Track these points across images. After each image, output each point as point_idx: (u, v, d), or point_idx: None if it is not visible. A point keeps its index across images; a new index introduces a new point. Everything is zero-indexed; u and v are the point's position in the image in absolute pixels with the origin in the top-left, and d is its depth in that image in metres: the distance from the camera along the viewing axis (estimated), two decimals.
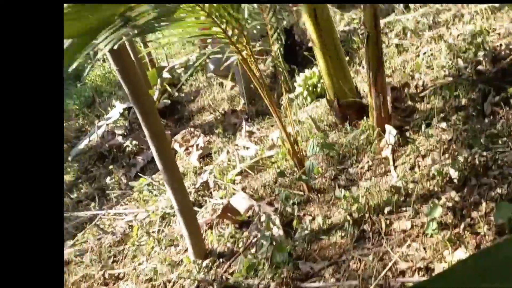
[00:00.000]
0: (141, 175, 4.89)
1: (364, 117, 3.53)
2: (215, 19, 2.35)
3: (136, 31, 2.01)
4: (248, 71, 2.77)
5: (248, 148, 4.32)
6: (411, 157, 2.96)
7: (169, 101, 6.29)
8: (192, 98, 6.45)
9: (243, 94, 5.25)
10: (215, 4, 2.36)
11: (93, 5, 1.84)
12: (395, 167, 2.96)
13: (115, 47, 1.92)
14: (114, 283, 3.20)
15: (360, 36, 4.92)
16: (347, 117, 3.68)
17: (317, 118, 3.96)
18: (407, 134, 3.18)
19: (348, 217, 2.64)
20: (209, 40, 4.19)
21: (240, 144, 4.48)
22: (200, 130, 5.34)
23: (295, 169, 3.27)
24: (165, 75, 6.88)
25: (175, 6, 2.19)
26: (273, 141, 4.16)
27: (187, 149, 5.06)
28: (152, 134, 2.46)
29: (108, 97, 8.53)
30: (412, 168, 2.88)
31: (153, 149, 2.51)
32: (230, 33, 2.47)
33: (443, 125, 3.02)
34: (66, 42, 1.91)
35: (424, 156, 2.90)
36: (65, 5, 1.67)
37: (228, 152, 4.39)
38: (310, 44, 5.54)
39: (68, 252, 3.79)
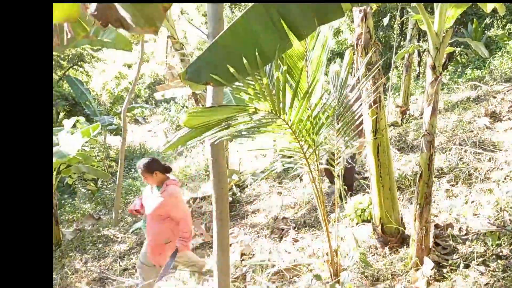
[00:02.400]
0: None
1: (404, 247, 3.45)
2: (296, 136, 2.65)
3: (233, 134, 2.38)
4: (311, 183, 2.97)
5: (289, 252, 4.29)
6: None
7: (231, 199, 6.53)
8: (252, 200, 6.64)
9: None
10: (300, 125, 2.69)
11: (213, 108, 2.26)
12: None
13: (216, 142, 2.27)
14: None
15: (413, 175, 4.98)
16: (388, 243, 3.62)
17: (360, 238, 3.91)
18: (444, 270, 3.03)
19: None
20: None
21: (282, 248, 4.46)
22: (249, 229, 5.41)
23: (330, 279, 3.19)
24: (234, 176, 7.27)
25: (268, 123, 2.54)
26: (313, 251, 4.11)
27: (230, 245, 5.10)
28: (219, 217, 2.64)
29: (180, 186, 8.98)
30: None
31: (215, 230, 2.66)
32: (305, 149, 2.72)
33: (482, 268, 2.86)
34: (183, 130, 2.32)
35: None
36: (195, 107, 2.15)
37: (270, 252, 4.38)
38: (366, 174, 5.71)
39: None
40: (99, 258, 5.56)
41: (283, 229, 5.21)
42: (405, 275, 3.10)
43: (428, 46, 3.01)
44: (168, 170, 3.80)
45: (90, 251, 5.88)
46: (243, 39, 2.09)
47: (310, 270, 3.69)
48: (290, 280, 3.59)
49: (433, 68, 3.00)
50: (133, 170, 11.42)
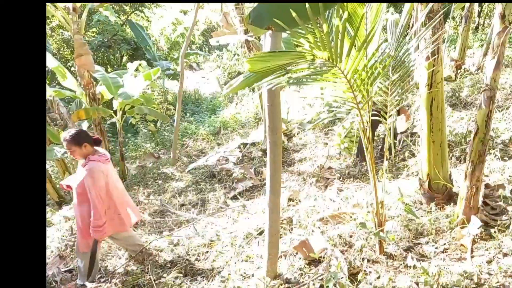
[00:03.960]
0: (238, 197, 5.12)
1: (451, 205, 3.33)
2: (351, 85, 2.52)
3: (290, 81, 2.31)
4: (363, 133, 2.87)
5: (334, 201, 4.30)
6: (491, 252, 2.68)
7: None
8: (298, 148, 6.63)
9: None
10: (355, 75, 2.56)
11: (274, 53, 2.18)
12: (472, 257, 2.71)
13: (273, 88, 2.22)
14: (192, 276, 3.35)
15: (468, 132, 4.69)
16: (434, 199, 3.50)
17: (405, 193, 3.81)
18: (492, 230, 2.90)
19: (415, 286, 2.46)
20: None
21: (327, 196, 4.46)
22: (296, 176, 5.45)
23: (374, 228, 3.17)
24: (282, 125, 7.22)
25: (325, 71, 2.44)
26: (357, 201, 4.08)
27: None
28: (272, 161, 2.66)
29: (231, 131, 9.16)
30: (489, 262, 2.60)
31: (268, 172, 2.69)
32: (359, 99, 2.60)
33: None
34: (244, 75, 2.28)
35: (505, 255, 2.61)
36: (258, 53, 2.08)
37: (315, 199, 4.41)
38: (415, 130, 5.46)
39: (164, 241, 4.07)
40: (160, 193, 5.89)
41: (328, 178, 5.19)
42: (450, 232, 3.01)
43: None
44: (97, 142, 3.27)
45: (151, 186, 6.23)
46: None
47: (354, 219, 3.69)
48: (334, 226, 3.61)
49: (502, 17, 2.68)
50: (188, 114, 11.70)
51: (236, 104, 11.76)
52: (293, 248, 3.21)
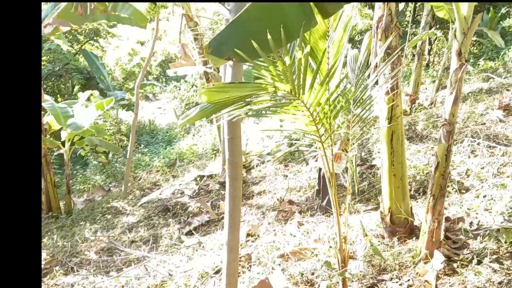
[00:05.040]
0: (194, 233, 4.83)
1: (414, 239, 3.28)
2: (314, 118, 2.44)
3: (250, 113, 2.20)
4: (325, 167, 2.78)
5: (294, 236, 4.14)
6: None
7: None
8: (257, 181, 6.48)
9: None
10: (318, 108, 2.49)
11: (234, 84, 2.06)
12: None
13: (234, 120, 2.09)
14: None
15: (425, 165, 4.78)
16: (396, 233, 3.44)
17: (366, 227, 3.74)
18: (455, 265, 2.85)
19: None
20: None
21: (288, 231, 4.30)
22: (255, 209, 5.27)
23: (336, 265, 3.03)
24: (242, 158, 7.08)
25: (286, 104, 2.35)
26: (319, 236, 3.95)
27: None
28: (232, 196, 2.51)
29: (187, 163, 8.88)
30: None
31: (227, 208, 2.52)
32: (322, 132, 2.52)
33: (496, 266, 2.68)
34: (201, 105, 2.14)
35: None
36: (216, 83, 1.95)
37: (275, 234, 4.24)
38: (374, 162, 5.52)
39: (110, 283, 3.69)
40: (108, 228, 5.46)
41: (288, 212, 5.05)
42: (414, 267, 2.93)
43: (455, 31, 2.77)
44: None
45: (99, 221, 5.77)
46: (267, 14, 1.89)
47: (316, 255, 3.54)
48: (295, 263, 3.43)
49: (459, 54, 2.77)
50: (142, 145, 11.28)
51: (194, 135, 11.54)
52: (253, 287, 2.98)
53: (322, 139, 2.66)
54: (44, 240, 5.19)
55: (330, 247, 3.60)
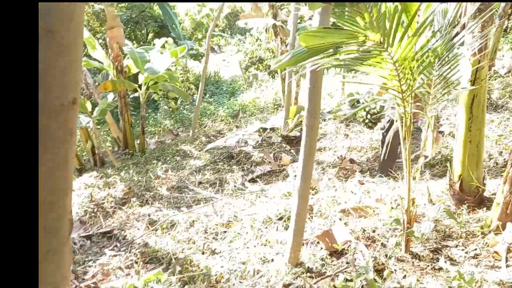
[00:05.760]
0: (258, 180, 4.95)
1: (484, 209, 3.11)
2: (399, 73, 2.30)
3: (336, 63, 2.12)
4: (402, 126, 2.66)
5: (355, 193, 4.09)
6: None
7: (299, 133, 6.33)
8: (318, 138, 6.40)
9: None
10: (404, 63, 2.33)
11: (330, 30, 1.97)
12: (507, 266, 2.50)
13: (317, 69, 2.03)
14: (210, 255, 3.20)
15: (499, 136, 4.42)
16: (465, 201, 3.27)
17: (433, 193, 3.59)
18: None
19: None
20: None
21: (348, 188, 4.26)
22: (315, 165, 5.25)
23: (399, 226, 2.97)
24: (303, 113, 6.98)
25: (373, 56, 2.23)
26: (381, 196, 3.88)
27: (295, 176, 4.98)
28: (308, 145, 2.51)
29: (249, 115, 8.96)
30: None
31: (301, 157, 2.53)
32: (404, 88, 2.38)
33: None
34: (293, 51, 2.09)
35: None
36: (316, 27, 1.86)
37: (336, 190, 4.22)
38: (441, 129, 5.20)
39: (182, 217, 3.92)
40: (178, 169, 5.75)
41: (348, 170, 4.98)
42: (482, 238, 2.79)
43: None
44: None
45: (169, 162, 6.09)
46: None
47: (377, 214, 3.49)
48: (356, 219, 3.42)
49: None
50: (207, 95, 11.49)
51: (256, 88, 11.52)
52: (316, 237, 3.03)
53: (403, 96, 2.52)
54: (122, 174, 5.60)
55: (392, 207, 3.53)
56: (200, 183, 5.20)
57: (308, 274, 2.62)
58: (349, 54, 2.33)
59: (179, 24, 12.68)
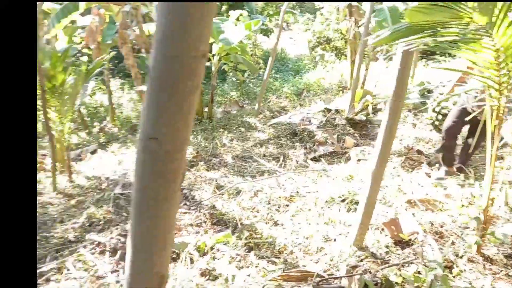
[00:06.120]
0: (321, 159, 4.91)
1: None
2: (500, 62, 2.11)
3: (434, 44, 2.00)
4: (492, 119, 2.46)
5: (422, 186, 3.91)
6: None
7: (364, 118, 6.14)
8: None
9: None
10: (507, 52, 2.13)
11: (438, 6, 1.86)
12: None
13: (412, 49, 1.93)
14: (272, 225, 3.26)
15: None
16: None
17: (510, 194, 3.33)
18: None
19: None
20: None
21: (414, 179, 4.08)
22: None
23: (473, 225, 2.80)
24: (368, 97, 6.74)
25: (474, 39, 2.06)
26: (449, 191, 3.67)
27: (358, 160, 4.85)
28: (388, 128, 2.42)
29: (313, 95, 8.82)
30: None
31: (380, 139, 2.46)
32: (504, 79, 2.18)
33: None
34: (394, 27, 2.00)
35: None
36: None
37: (402, 180, 4.06)
38: None
39: (248, 186, 4.00)
40: (242, 140, 5.85)
41: (415, 161, 4.76)
42: None
43: None
44: None
45: (234, 132, 6.21)
46: None
47: (445, 210, 3.32)
48: (423, 212, 3.28)
49: None
50: (273, 71, 11.44)
51: (321, 69, 11.26)
52: (383, 223, 2.96)
53: (501, 87, 2.31)
54: (190, 138, 5.81)
55: (463, 205, 3.34)
56: (263, 155, 5.26)
57: (372, 259, 2.58)
58: (446, 36, 2.17)
59: None
